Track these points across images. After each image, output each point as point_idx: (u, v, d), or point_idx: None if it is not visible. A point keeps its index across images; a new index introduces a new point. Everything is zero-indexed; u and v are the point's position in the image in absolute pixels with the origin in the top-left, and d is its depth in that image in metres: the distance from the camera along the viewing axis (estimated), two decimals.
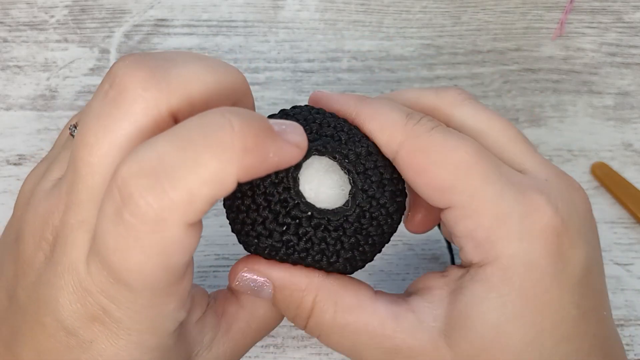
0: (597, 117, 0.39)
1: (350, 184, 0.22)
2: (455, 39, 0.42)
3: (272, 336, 0.32)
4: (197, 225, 0.18)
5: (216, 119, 0.17)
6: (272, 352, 0.32)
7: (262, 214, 0.21)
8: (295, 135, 0.19)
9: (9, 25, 0.42)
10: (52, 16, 0.42)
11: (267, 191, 0.21)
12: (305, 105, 0.24)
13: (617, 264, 0.35)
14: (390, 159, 0.23)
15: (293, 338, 0.32)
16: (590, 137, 0.38)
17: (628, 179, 0.37)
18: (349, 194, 0.22)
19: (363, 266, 0.24)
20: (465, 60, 0.41)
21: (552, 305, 0.21)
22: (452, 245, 0.34)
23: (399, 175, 0.23)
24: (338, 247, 0.22)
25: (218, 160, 0.16)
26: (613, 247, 0.35)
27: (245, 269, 0.22)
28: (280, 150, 0.18)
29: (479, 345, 0.21)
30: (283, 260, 0.22)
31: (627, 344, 0.32)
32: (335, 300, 0.22)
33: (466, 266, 0.23)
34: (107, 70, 0.41)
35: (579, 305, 0.21)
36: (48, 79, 0.40)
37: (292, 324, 0.33)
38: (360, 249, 0.22)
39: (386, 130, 0.23)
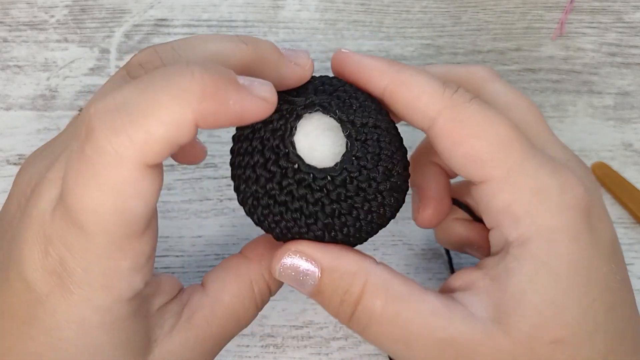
0: (597, 117, 0.39)
1: (347, 148, 0.22)
2: (455, 39, 0.42)
3: (272, 336, 0.32)
4: (156, 171, 0.19)
5: (179, 68, 0.18)
6: (272, 352, 0.32)
7: (255, 158, 0.22)
8: (262, 90, 0.19)
9: (9, 25, 0.42)
10: (52, 16, 0.42)
11: (264, 136, 0.22)
12: (327, 76, 0.24)
13: None
14: (425, 129, 0.23)
15: (293, 338, 0.32)
16: (590, 137, 0.38)
17: (628, 179, 0.37)
18: (341, 156, 0.22)
19: (346, 241, 0.23)
20: (465, 60, 0.41)
21: (597, 275, 0.21)
22: (450, 251, 0.34)
23: (406, 165, 0.23)
24: (317, 208, 0.21)
25: (176, 103, 0.17)
26: None
27: (291, 251, 0.22)
28: (243, 100, 0.18)
29: (537, 324, 0.21)
30: (264, 215, 0.22)
31: None
32: (386, 286, 0.21)
33: (499, 248, 0.22)
34: (107, 70, 0.41)
35: (616, 273, 0.22)
36: (48, 78, 0.40)
37: (292, 324, 0.33)
38: (343, 219, 0.22)
39: (423, 97, 0.22)
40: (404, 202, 0.25)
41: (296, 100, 0.22)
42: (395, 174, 0.23)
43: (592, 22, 0.43)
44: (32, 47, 0.41)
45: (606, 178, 0.37)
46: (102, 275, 0.19)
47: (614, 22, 0.43)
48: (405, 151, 0.24)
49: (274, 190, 0.21)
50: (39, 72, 0.40)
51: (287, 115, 0.22)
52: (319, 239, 0.22)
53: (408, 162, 0.24)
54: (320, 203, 0.21)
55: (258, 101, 0.19)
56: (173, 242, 0.35)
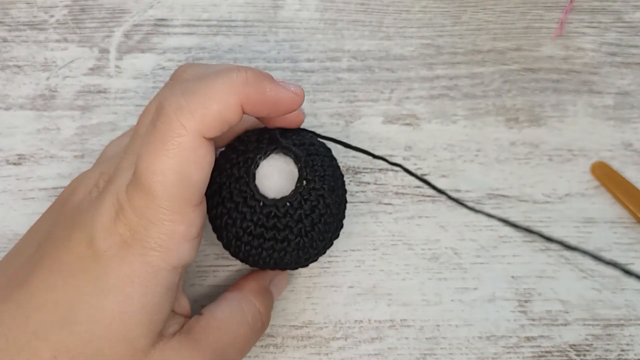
0: (597, 117, 0.39)
1: (296, 184, 0.27)
2: (455, 38, 0.42)
3: (272, 336, 0.32)
4: (210, 145, 0.23)
5: (228, 66, 0.24)
6: (271, 352, 0.32)
7: (223, 179, 0.28)
8: (293, 86, 0.25)
9: (9, 25, 0.42)
10: (52, 16, 0.42)
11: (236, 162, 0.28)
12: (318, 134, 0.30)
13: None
14: None
15: (293, 338, 0.32)
16: (590, 136, 0.38)
17: (628, 179, 0.37)
18: (290, 191, 0.27)
19: (279, 263, 0.28)
20: (465, 60, 0.41)
21: None
22: None
23: (339, 204, 0.29)
24: (262, 230, 0.27)
25: (226, 87, 0.23)
26: (613, 246, 0.35)
27: None
28: (277, 90, 0.24)
29: None
30: (227, 236, 0.28)
31: (627, 344, 0.32)
32: None
33: None
34: (107, 69, 0.41)
35: None
36: (48, 78, 0.40)
37: (292, 324, 0.33)
38: (281, 244, 0.28)
39: None
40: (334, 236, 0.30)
41: (281, 140, 0.28)
42: (328, 212, 0.28)
43: (592, 22, 0.43)
44: (31, 47, 0.41)
45: (606, 178, 0.37)
46: (159, 235, 0.23)
47: (614, 21, 0.43)
48: (341, 186, 0.30)
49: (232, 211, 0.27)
50: (38, 72, 0.40)
51: (253, 153, 0.28)
52: (261, 258, 0.28)
53: (343, 198, 0.30)
54: (263, 226, 0.27)
55: (290, 93, 0.25)
56: None
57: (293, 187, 0.27)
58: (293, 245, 0.27)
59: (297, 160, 0.27)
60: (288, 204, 0.27)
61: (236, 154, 0.28)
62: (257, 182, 0.27)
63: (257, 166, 0.27)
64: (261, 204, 0.26)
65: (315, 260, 0.30)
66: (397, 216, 0.36)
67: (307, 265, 0.30)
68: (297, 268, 0.30)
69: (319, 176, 0.28)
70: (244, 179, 0.27)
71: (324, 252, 0.30)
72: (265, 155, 0.27)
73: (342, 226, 0.30)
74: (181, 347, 0.25)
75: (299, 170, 0.27)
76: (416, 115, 0.39)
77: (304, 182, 0.27)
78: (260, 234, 0.27)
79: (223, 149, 0.30)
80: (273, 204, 0.26)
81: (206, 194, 0.27)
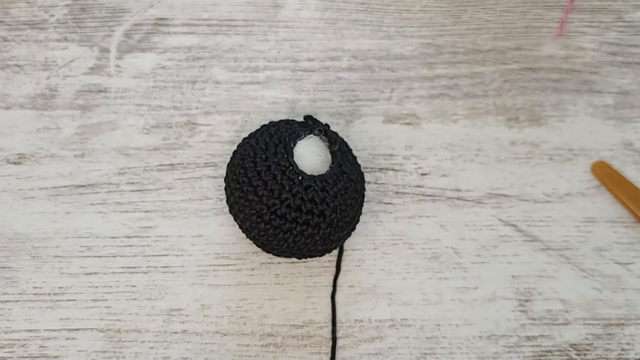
0: (598, 116, 0.39)
1: (331, 164, 0.30)
2: (455, 38, 0.42)
3: (272, 335, 0.32)
4: None
5: None
6: (272, 351, 0.32)
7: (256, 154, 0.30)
8: None
9: (9, 25, 0.42)
10: (52, 15, 0.42)
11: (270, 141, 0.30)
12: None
13: (618, 263, 0.35)
14: None
15: (293, 337, 0.32)
16: (590, 136, 0.38)
17: (628, 178, 0.37)
18: (327, 169, 0.29)
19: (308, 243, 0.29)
20: (465, 59, 0.41)
21: None
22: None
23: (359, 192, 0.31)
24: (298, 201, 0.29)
25: None
26: (613, 246, 0.35)
27: None
28: None
29: None
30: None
31: (628, 344, 0.32)
32: None
33: None
34: (107, 69, 0.41)
35: None
36: (48, 78, 0.40)
37: (292, 324, 0.33)
38: (315, 218, 0.29)
39: None
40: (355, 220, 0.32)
41: (311, 125, 0.31)
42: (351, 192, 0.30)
43: (593, 21, 0.43)
44: (32, 47, 0.41)
45: (606, 177, 0.37)
46: None
47: (614, 21, 0.42)
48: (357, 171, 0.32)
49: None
50: (38, 72, 0.40)
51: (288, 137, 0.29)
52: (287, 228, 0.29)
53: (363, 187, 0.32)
54: (301, 197, 0.28)
55: None
56: (173, 242, 0.35)
57: (324, 169, 0.29)
58: (328, 221, 0.28)
59: (332, 143, 0.29)
60: (325, 180, 0.28)
61: (269, 137, 0.30)
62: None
63: (295, 144, 0.29)
64: (300, 177, 0.28)
65: (335, 247, 0.31)
66: (398, 215, 0.36)
67: (329, 251, 0.31)
68: (317, 255, 0.31)
69: (350, 162, 0.30)
70: (282, 155, 0.28)
71: (344, 241, 0.31)
72: (302, 136, 0.29)
73: (358, 220, 0.32)
74: None
75: (334, 153, 0.29)
76: (416, 114, 0.39)
77: (338, 165, 0.29)
78: (298, 207, 0.28)
79: (246, 137, 0.31)
80: (312, 178, 0.28)
81: (235, 171, 0.29)
